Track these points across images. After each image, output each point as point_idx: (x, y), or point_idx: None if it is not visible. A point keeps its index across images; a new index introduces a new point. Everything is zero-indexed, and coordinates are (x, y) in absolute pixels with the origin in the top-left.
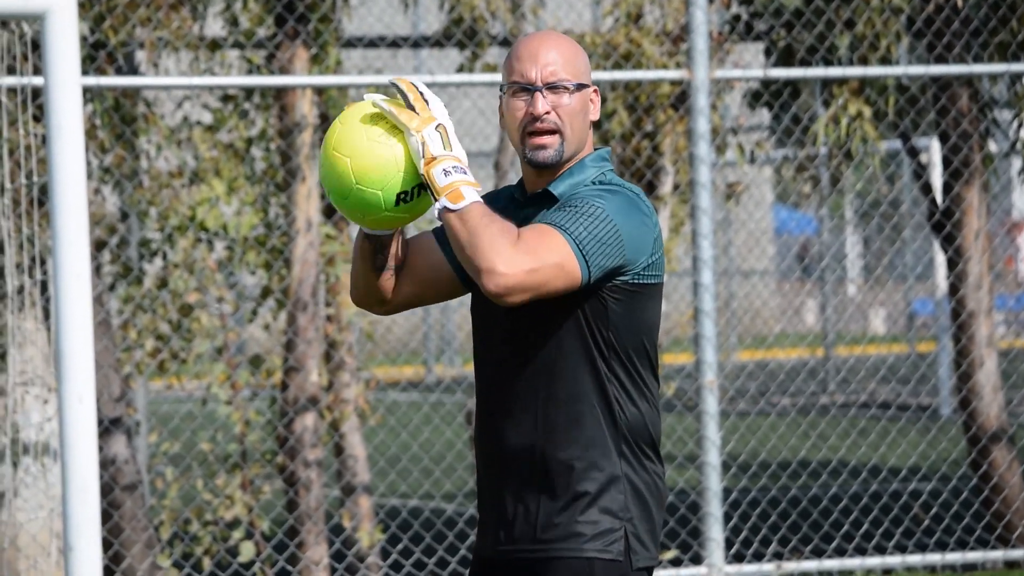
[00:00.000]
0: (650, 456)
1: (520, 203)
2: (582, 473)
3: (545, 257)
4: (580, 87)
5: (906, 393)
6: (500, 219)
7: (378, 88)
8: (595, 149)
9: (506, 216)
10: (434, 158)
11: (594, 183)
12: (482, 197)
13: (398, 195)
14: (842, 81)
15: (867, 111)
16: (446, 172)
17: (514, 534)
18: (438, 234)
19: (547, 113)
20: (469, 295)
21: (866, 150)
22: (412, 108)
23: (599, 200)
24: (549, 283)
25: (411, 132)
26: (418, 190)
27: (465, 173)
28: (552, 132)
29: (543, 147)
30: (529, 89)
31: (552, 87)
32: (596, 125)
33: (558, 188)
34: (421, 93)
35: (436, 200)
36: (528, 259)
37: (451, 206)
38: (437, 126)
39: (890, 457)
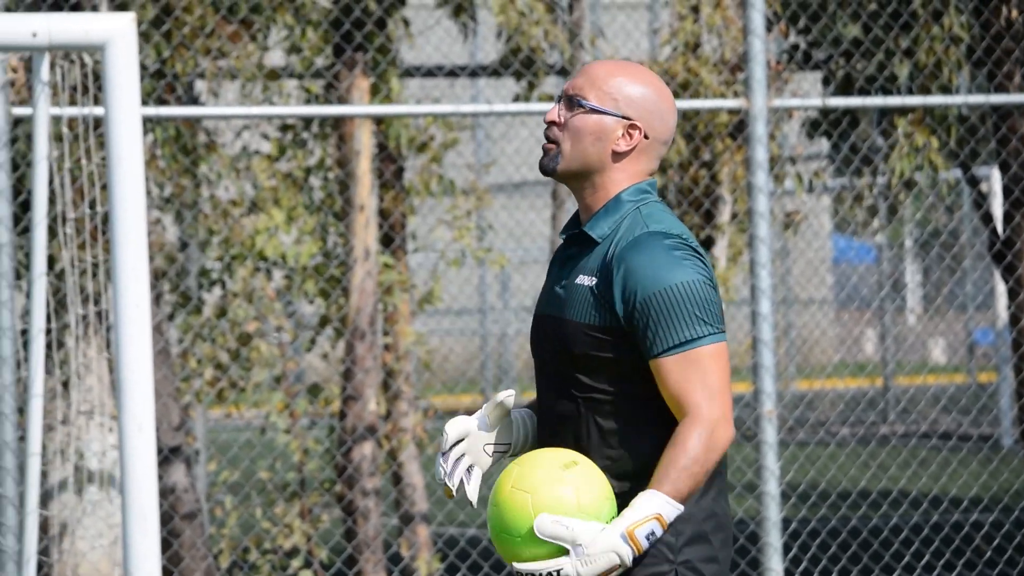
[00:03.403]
0: (710, 492)
1: (564, 243)
2: None
3: (715, 380)
4: (596, 111)
5: (967, 423)
6: (672, 450)
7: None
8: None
9: (553, 269)
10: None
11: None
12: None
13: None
14: (903, 111)
15: (935, 142)
16: (647, 536)
17: None
18: None
19: (553, 122)
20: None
21: (935, 181)
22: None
23: (677, 272)
24: (729, 378)
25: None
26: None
27: (654, 519)
28: (553, 142)
29: (543, 153)
30: (560, 97)
31: (569, 100)
32: None
33: (596, 229)
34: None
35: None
36: (715, 404)
37: (672, 513)
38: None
39: (951, 488)
